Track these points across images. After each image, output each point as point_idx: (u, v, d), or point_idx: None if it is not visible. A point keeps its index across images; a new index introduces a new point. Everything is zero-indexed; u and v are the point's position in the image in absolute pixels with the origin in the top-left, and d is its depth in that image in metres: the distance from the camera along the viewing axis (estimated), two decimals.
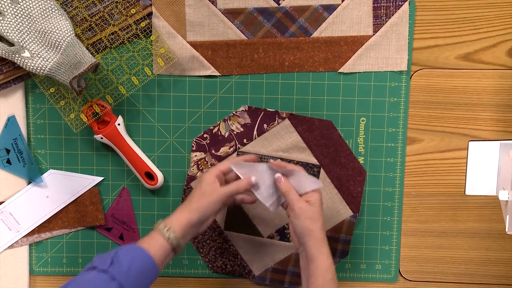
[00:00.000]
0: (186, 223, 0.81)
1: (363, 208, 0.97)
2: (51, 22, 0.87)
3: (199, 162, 0.95)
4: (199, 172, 0.95)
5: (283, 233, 0.97)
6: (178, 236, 0.81)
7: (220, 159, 0.95)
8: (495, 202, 0.97)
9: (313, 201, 0.82)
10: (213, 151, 0.95)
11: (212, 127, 0.95)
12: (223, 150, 0.95)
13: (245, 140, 0.95)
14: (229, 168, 0.85)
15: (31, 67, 0.87)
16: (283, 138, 0.95)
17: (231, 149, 0.95)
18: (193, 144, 0.95)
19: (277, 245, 0.97)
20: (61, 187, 0.95)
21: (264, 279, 0.98)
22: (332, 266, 0.82)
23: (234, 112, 0.95)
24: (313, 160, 0.95)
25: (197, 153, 0.95)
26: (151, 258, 0.78)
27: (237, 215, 0.96)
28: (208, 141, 0.95)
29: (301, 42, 0.93)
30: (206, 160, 0.95)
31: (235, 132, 0.95)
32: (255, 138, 0.95)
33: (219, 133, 0.95)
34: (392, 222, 0.98)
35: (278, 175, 0.84)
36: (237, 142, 0.95)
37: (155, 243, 0.80)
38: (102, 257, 0.77)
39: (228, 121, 0.95)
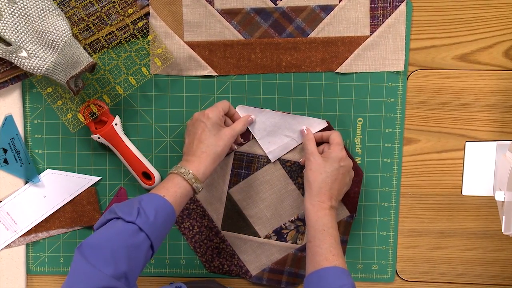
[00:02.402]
0: (211, 173, 0.84)
1: (360, 208, 0.97)
2: (48, 22, 0.87)
3: None
4: None
5: (280, 233, 0.97)
6: (202, 184, 0.83)
7: None
8: (492, 202, 0.97)
9: (326, 157, 0.87)
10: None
11: None
12: None
13: (242, 140, 0.95)
14: (227, 109, 0.89)
15: (29, 66, 0.87)
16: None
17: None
18: None
19: (274, 245, 0.97)
20: (58, 187, 0.96)
21: (261, 279, 0.98)
22: (324, 219, 0.84)
23: None
24: None
25: None
26: (173, 208, 0.80)
27: (234, 215, 0.97)
28: None
29: (298, 43, 0.93)
30: None
31: None
32: (252, 138, 0.95)
33: None
34: (389, 222, 0.98)
35: (304, 127, 0.92)
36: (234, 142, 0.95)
37: (179, 191, 0.81)
38: (125, 208, 0.77)
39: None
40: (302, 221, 0.96)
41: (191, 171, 0.82)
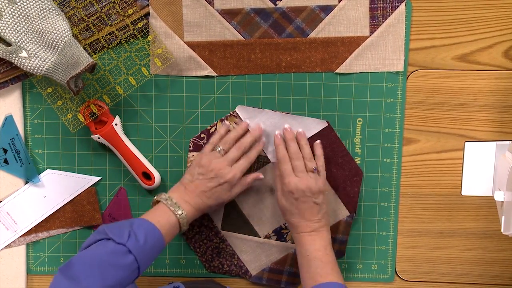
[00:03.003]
0: (195, 214, 0.87)
1: (360, 208, 0.97)
2: (48, 22, 0.87)
3: None
4: None
5: (280, 233, 0.97)
6: (189, 217, 0.85)
7: None
8: (491, 202, 0.97)
9: (284, 195, 0.89)
10: (227, 122, 0.95)
11: (209, 127, 0.95)
12: None
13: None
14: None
15: (29, 67, 0.87)
16: None
17: None
18: (190, 144, 0.95)
19: (274, 245, 0.97)
20: (58, 187, 0.96)
21: (260, 279, 0.98)
22: (306, 245, 0.86)
23: (231, 112, 0.95)
24: None
25: (194, 153, 0.95)
26: (162, 235, 0.81)
27: (234, 215, 0.97)
28: (205, 141, 0.95)
29: (298, 43, 0.93)
30: None
31: None
32: None
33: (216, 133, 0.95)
34: (389, 222, 0.98)
35: (284, 127, 0.92)
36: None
37: (166, 221, 0.83)
38: (115, 229, 0.78)
39: (225, 121, 0.95)
40: None
41: (186, 215, 0.85)
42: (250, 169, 0.95)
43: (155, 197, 0.87)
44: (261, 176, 0.92)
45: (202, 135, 0.95)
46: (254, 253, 0.97)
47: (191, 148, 0.95)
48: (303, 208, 0.87)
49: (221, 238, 0.97)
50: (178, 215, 0.84)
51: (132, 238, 0.77)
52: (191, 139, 0.95)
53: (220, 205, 0.90)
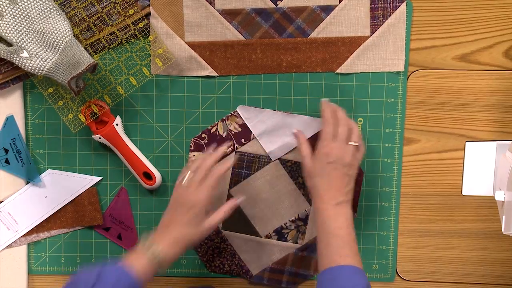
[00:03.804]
0: (176, 257, 0.81)
1: (360, 208, 0.97)
2: (49, 22, 0.87)
3: None
4: None
5: (280, 233, 0.97)
6: (166, 258, 0.80)
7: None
8: (492, 202, 0.97)
9: (315, 158, 0.86)
10: (211, 151, 0.95)
11: (210, 127, 0.95)
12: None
13: (243, 140, 0.95)
14: (217, 183, 0.84)
15: (30, 67, 0.87)
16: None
17: (229, 148, 0.95)
18: (191, 144, 0.95)
19: (275, 245, 0.97)
20: (59, 187, 0.95)
21: (261, 279, 0.98)
22: (328, 220, 0.82)
23: (232, 112, 0.95)
24: None
25: (195, 153, 0.95)
26: (136, 280, 0.76)
27: (234, 215, 0.96)
28: (206, 141, 0.95)
29: (299, 43, 0.93)
30: None
31: (233, 132, 0.95)
32: (253, 138, 0.95)
33: (217, 133, 0.95)
34: (389, 222, 0.98)
35: (294, 130, 0.92)
36: (235, 142, 0.95)
37: (141, 263, 0.78)
38: (86, 274, 0.76)
39: (226, 121, 0.95)
40: (303, 221, 0.96)
41: (160, 253, 0.79)
42: (250, 170, 0.95)
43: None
44: (239, 200, 0.88)
45: (203, 135, 0.95)
46: (255, 253, 0.97)
47: (192, 148, 0.95)
48: (333, 175, 0.84)
49: (221, 238, 0.97)
50: (151, 252, 0.79)
51: (99, 284, 0.74)
52: (192, 139, 0.95)
53: (201, 233, 0.83)
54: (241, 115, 0.94)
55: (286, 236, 0.97)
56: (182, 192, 0.84)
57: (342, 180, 0.84)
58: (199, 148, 0.95)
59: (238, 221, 0.97)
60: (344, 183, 0.85)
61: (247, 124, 0.95)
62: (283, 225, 0.97)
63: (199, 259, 0.98)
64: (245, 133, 0.95)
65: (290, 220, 0.97)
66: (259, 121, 0.94)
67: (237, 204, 0.87)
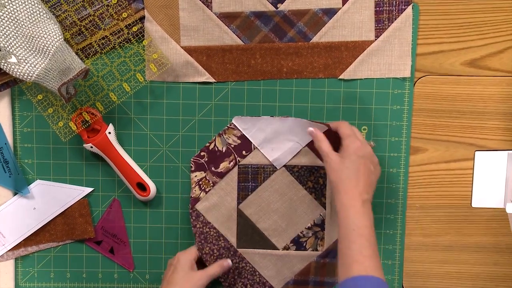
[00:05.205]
0: None
1: None
2: (39, 26, 0.85)
3: (200, 182, 0.93)
4: (202, 193, 0.93)
5: (298, 242, 0.94)
6: None
7: (221, 175, 0.93)
8: (503, 214, 0.95)
9: (342, 152, 0.84)
10: (212, 168, 0.93)
11: (208, 144, 0.93)
12: (223, 165, 0.93)
13: (244, 152, 0.93)
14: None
15: (18, 73, 0.85)
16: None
17: (231, 163, 0.93)
18: (191, 165, 0.93)
19: (294, 256, 0.95)
20: (48, 199, 0.94)
21: None
22: (354, 218, 0.80)
23: (228, 125, 0.93)
24: (318, 162, 0.93)
25: (197, 173, 0.93)
26: None
27: (248, 231, 0.94)
28: (206, 159, 0.93)
29: (300, 48, 0.92)
30: (207, 178, 0.93)
31: (232, 146, 0.93)
32: (254, 149, 0.93)
33: (216, 149, 0.93)
34: (395, 235, 0.96)
35: (310, 128, 0.87)
36: (236, 156, 0.93)
37: None
38: None
39: (224, 135, 0.93)
40: (319, 226, 0.94)
41: None
42: (257, 182, 0.93)
43: None
44: (227, 263, 0.92)
45: (202, 153, 0.93)
46: (275, 267, 0.95)
47: (192, 169, 0.94)
48: (362, 171, 0.82)
49: (239, 257, 0.95)
50: None
51: None
52: (192, 159, 0.93)
53: (199, 285, 0.87)
54: (238, 126, 0.92)
55: (304, 244, 0.94)
56: (169, 260, 0.92)
57: (369, 177, 0.84)
58: (200, 167, 0.93)
59: (253, 236, 0.94)
60: (370, 180, 0.84)
61: (246, 135, 0.93)
62: (299, 233, 0.94)
63: (222, 284, 0.95)
64: (245, 145, 0.93)
65: (307, 227, 0.94)
66: (258, 130, 0.92)
67: (227, 265, 0.93)
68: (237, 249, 0.95)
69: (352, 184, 0.82)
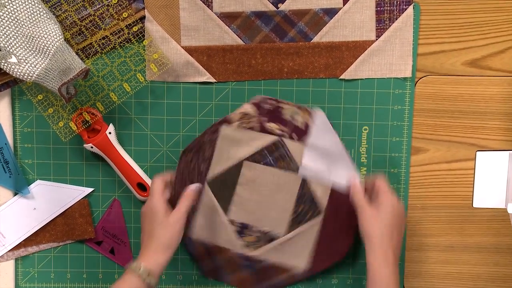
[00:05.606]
0: (164, 263, 0.83)
1: None
2: (39, 26, 0.85)
3: (244, 116, 0.90)
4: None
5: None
6: (156, 278, 0.81)
7: (260, 129, 0.90)
8: (504, 215, 0.95)
9: (378, 206, 0.84)
10: (263, 118, 0.90)
11: (279, 101, 0.92)
12: (269, 126, 0.89)
13: (294, 134, 0.90)
14: (163, 186, 0.86)
15: (18, 73, 0.85)
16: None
17: (268, 137, 0.90)
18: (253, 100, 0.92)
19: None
20: (49, 199, 0.94)
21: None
22: (387, 279, 0.80)
23: (308, 108, 0.91)
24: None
25: (249, 107, 0.91)
26: None
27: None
28: (268, 106, 0.91)
29: (301, 47, 0.91)
30: (251, 119, 0.90)
31: (295, 124, 0.90)
32: (298, 140, 0.89)
33: (281, 110, 0.91)
34: None
35: (350, 179, 0.87)
36: (290, 132, 0.90)
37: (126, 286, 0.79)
38: None
39: (299, 110, 0.91)
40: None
41: (142, 266, 0.80)
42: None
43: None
44: (196, 185, 0.87)
45: (270, 101, 0.91)
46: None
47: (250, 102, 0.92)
48: (397, 229, 0.83)
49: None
50: (134, 270, 0.80)
51: None
52: (258, 98, 0.92)
53: (173, 228, 0.83)
54: (314, 119, 0.89)
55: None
56: (141, 208, 0.87)
57: (401, 234, 0.85)
58: (257, 106, 0.91)
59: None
60: (401, 240, 0.85)
61: (311, 130, 0.89)
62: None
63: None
64: (300, 133, 0.89)
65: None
66: (322, 136, 0.89)
67: (195, 188, 0.87)
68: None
69: (387, 239, 0.82)
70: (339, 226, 0.91)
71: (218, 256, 0.92)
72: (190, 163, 0.91)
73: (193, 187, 0.86)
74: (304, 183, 0.90)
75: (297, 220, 0.90)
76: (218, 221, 0.91)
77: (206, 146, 0.91)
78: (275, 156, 0.90)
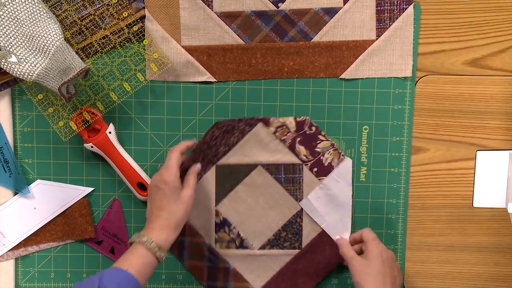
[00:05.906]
0: (173, 241, 0.82)
1: (366, 220, 0.95)
2: (39, 25, 0.85)
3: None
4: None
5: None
6: (165, 253, 0.81)
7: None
8: (504, 214, 0.95)
9: (367, 256, 0.86)
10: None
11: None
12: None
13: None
14: (179, 158, 0.84)
15: (18, 72, 0.85)
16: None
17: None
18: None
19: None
20: (49, 198, 0.94)
21: None
22: None
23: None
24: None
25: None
26: (137, 281, 0.77)
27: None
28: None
29: (301, 47, 0.91)
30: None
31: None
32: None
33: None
34: (396, 235, 0.95)
35: (337, 237, 0.92)
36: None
37: (142, 262, 0.78)
38: (87, 283, 0.75)
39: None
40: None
41: (153, 240, 0.79)
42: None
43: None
44: (198, 165, 0.87)
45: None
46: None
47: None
48: (388, 273, 0.85)
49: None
50: (145, 244, 0.79)
51: None
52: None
53: (183, 206, 0.82)
54: (340, 165, 0.92)
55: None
56: (153, 178, 0.85)
57: (394, 279, 0.86)
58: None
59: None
60: (396, 283, 0.86)
61: (332, 173, 0.92)
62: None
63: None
64: (321, 169, 0.92)
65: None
66: (338, 183, 0.92)
67: (198, 167, 0.87)
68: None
69: (379, 285, 0.83)
70: (308, 267, 0.94)
71: (189, 238, 0.94)
72: (213, 140, 0.91)
73: (199, 166, 0.88)
74: (299, 214, 0.93)
75: (275, 242, 0.94)
76: (205, 206, 0.93)
77: (235, 132, 0.92)
78: (288, 177, 0.92)
